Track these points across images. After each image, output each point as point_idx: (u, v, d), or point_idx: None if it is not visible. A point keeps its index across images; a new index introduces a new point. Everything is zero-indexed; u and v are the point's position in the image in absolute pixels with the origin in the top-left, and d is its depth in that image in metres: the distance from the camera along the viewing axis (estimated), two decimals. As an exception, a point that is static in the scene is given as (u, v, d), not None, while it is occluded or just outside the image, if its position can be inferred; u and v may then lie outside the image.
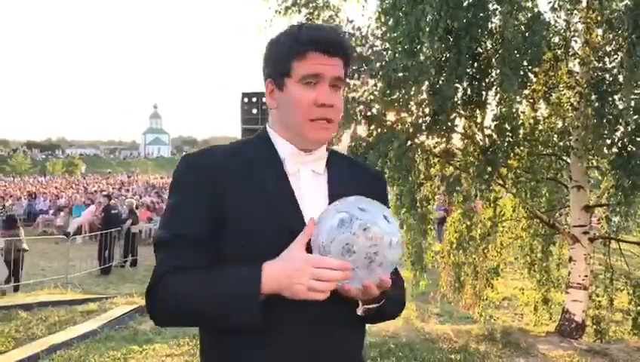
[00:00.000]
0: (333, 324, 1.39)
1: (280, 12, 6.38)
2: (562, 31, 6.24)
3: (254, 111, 37.70)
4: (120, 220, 13.72)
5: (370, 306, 1.40)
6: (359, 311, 1.40)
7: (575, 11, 6.16)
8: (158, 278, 1.36)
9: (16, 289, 10.55)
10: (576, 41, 6.22)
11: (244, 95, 38.10)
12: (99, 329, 6.42)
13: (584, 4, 6.19)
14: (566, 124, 6.64)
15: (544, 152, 6.75)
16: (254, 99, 35.85)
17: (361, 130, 6.67)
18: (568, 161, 6.76)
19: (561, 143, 6.78)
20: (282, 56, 1.44)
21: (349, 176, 1.54)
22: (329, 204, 1.39)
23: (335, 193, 1.44)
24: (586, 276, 6.47)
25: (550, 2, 6.02)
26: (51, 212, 21.67)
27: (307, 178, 1.47)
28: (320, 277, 1.23)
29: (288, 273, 1.25)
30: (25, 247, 11.05)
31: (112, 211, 13.81)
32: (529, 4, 5.90)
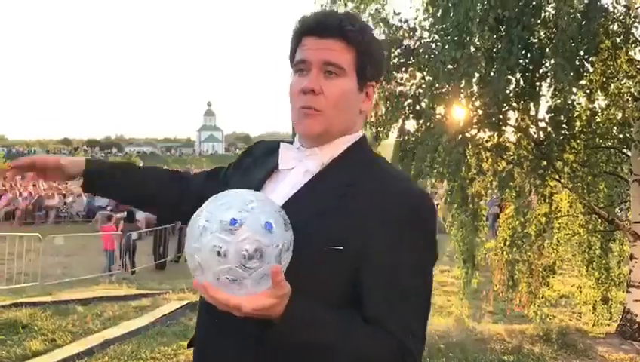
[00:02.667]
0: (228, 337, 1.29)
1: (326, 6, 6.32)
2: (622, 17, 5.93)
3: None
4: (175, 216, 14.04)
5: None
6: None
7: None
8: None
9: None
10: (637, 28, 5.90)
11: (296, 91, 38.39)
12: (151, 324, 6.54)
13: (646, -13, 5.88)
14: (626, 116, 6.33)
15: (602, 145, 6.46)
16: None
17: (410, 124, 6.56)
18: (629, 153, 6.45)
19: (621, 135, 6.48)
20: (291, 45, 1.37)
21: (332, 185, 1.29)
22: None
23: (290, 200, 1.28)
24: (649, 274, 6.17)
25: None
26: (109, 208, 22.32)
27: (295, 176, 1.35)
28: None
29: None
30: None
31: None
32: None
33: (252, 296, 1.07)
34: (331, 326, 1.16)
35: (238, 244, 1.07)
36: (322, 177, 1.31)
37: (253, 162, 1.49)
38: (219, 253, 1.07)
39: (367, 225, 1.21)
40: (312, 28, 1.30)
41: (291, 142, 1.43)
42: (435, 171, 6.22)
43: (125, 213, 14.35)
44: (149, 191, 1.72)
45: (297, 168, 1.35)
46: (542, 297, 7.45)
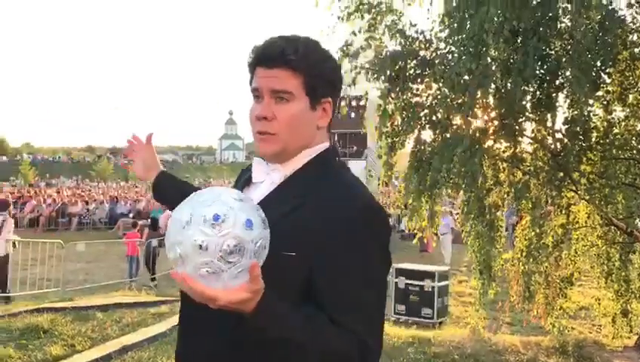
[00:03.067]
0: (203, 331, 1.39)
1: (342, 18, 6.39)
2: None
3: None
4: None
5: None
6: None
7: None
8: None
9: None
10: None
11: (315, 100, 38.33)
12: (168, 331, 6.62)
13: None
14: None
15: (621, 156, 6.41)
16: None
17: (427, 135, 6.58)
18: (648, 165, 6.38)
19: (640, 146, 6.41)
20: (250, 76, 1.49)
21: (288, 196, 1.40)
22: None
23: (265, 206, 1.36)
24: (669, 287, 6.09)
25: (626, -2, 5.72)
26: (131, 215, 22.58)
27: (263, 188, 1.48)
28: None
29: None
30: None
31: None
32: (603, 0, 5.63)
33: (229, 290, 1.14)
34: (300, 323, 1.23)
35: (220, 239, 1.13)
36: (281, 189, 1.43)
37: (237, 182, 1.67)
38: (200, 246, 1.13)
39: (318, 232, 1.30)
40: (260, 59, 1.42)
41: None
42: (451, 182, 6.23)
43: (149, 220, 14.54)
44: None
45: (266, 181, 1.49)
46: (560, 309, 7.38)
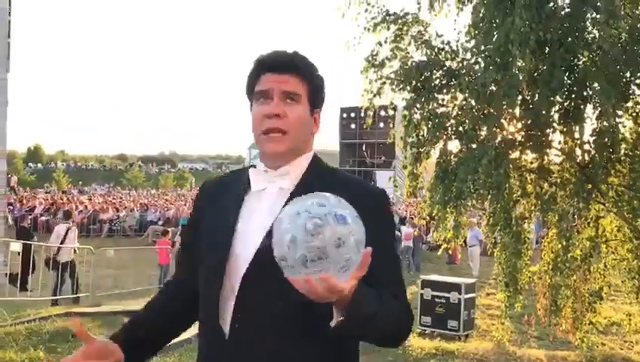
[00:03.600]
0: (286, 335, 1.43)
1: (369, 29, 6.42)
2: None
3: (352, 126, 38.05)
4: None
5: (340, 319, 1.30)
6: (332, 323, 1.32)
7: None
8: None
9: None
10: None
11: (343, 110, 38.39)
12: (193, 337, 6.68)
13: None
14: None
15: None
16: (352, 115, 36.13)
17: (453, 145, 6.56)
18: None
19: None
20: (249, 81, 1.59)
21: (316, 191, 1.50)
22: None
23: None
24: (701, 304, 5.93)
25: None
26: (160, 223, 22.87)
27: (271, 195, 1.52)
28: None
29: None
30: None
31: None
32: (632, 10, 5.55)
33: (348, 280, 1.24)
34: (377, 298, 1.36)
35: (350, 236, 1.23)
36: (300, 190, 1.45)
37: (211, 199, 1.66)
38: (339, 245, 1.21)
39: None
40: (269, 65, 1.53)
41: (253, 166, 1.62)
42: (477, 193, 6.19)
43: (180, 227, 14.69)
44: (179, 314, 1.73)
45: (268, 188, 1.54)
46: (589, 323, 7.24)
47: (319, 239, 1.20)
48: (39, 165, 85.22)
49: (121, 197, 35.53)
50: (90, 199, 31.40)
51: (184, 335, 6.31)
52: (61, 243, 10.53)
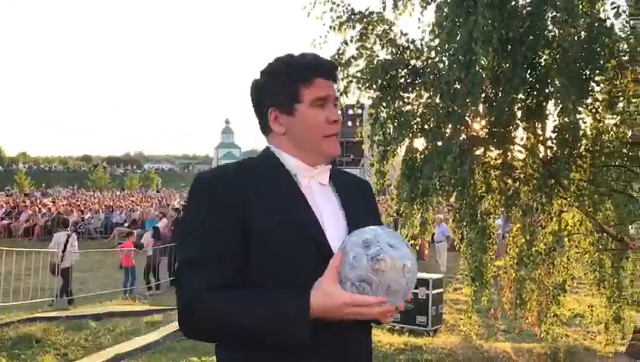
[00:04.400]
0: (357, 334, 1.60)
1: (334, 28, 6.43)
2: (628, 37, 5.95)
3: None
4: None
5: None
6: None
7: (641, 16, 5.86)
8: (196, 297, 1.46)
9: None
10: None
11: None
12: (161, 340, 6.63)
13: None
14: (636, 134, 6.32)
15: (612, 164, 6.44)
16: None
17: (419, 143, 6.62)
18: (638, 172, 6.42)
19: (631, 154, 6.45)
20: (288, 85, 1.60)
21: (348, 185, 1.74)
22: (343, 213, 1.64)
23: (346, 203, 1.67)
24: (659, 294, 6.11)
25: (614, 7, 5.76)
26: (126, 225, 22.55)
27: (317, 190, 1.63)
28: (361, 316, 1.45)
29: (330, 309, 1.43)
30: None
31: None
32: (590, 9, 5.68)
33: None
34: None
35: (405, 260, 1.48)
36: (336, 183, 1.72)
37: (254, 190, 1.55)
38: (405, 272, 1.46)
39: (373, 207, 1.86)
40: (324, 71, 1.63)
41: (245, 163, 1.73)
42: (442, 189, 6.27)
43: (152, 229, 14.49)
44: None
45: (312, 183, 1.64)
46: (553, 316, 7.39)
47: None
48: (0, 167, 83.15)
49: (85, 199, 34.93)
50: (54, 201, 30.78)
51: (152, 338, 6.24)
52: (63, 250, 11.24)
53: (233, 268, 1.47)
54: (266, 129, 1.68)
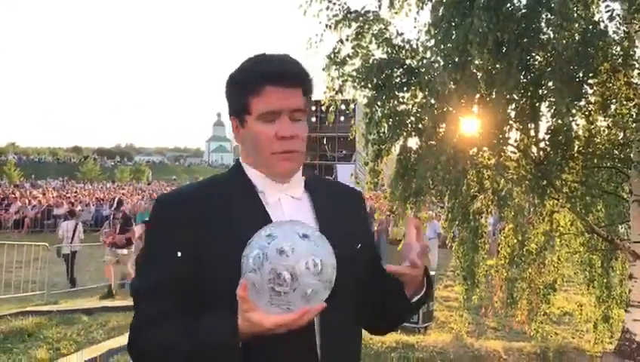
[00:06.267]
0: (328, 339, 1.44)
1: (330, 27, 6.43)
2: (621, 41, 6.01)
3: (313, 119, 38.06)
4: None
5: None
6: (415, 298, 1.60)
7: (635, 20, 5.92)
8: (139, 331, 1.40)
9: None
10: (634, 52, 5.98)
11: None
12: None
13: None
14: (627, 136, 6.39)
15: (603, 165, 6.52)
16: (313, 108, 36.03)
17: (413, 142, 6.66)
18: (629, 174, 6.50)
19: (622, 156, 6.53)
20: (238, 94, 1.45)
21: (329, 197, 1.58)
22: (317, 227, 1.42)
23: (321, 215, 1.51)
24: (648, 294, 6.19)
25: (608, 10, 5.81)
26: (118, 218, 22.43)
27: (289, 205, 1.49)
28: (294, 328, 1.25)
29: (259, 334, 1.25)
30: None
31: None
32: (585, 13, 5.73)
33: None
34: None
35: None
36: (313, 195, 1.56)
37: (212, 213, 1.43)
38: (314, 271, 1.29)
39: (362, 220, 1.68)
40: (275, 80, 1.40)
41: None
42: (436, 189, 6.31)
43: (140, 223, 14.41)
44: None
45: (283, 199, 1.49)
46: (543, 314, 7.47)
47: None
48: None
49: (76, 192, 34.75)
50: (44, 193, 30.61)
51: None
52: (72, 237, 12.54)
53: (182, 296, 1.37)
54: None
